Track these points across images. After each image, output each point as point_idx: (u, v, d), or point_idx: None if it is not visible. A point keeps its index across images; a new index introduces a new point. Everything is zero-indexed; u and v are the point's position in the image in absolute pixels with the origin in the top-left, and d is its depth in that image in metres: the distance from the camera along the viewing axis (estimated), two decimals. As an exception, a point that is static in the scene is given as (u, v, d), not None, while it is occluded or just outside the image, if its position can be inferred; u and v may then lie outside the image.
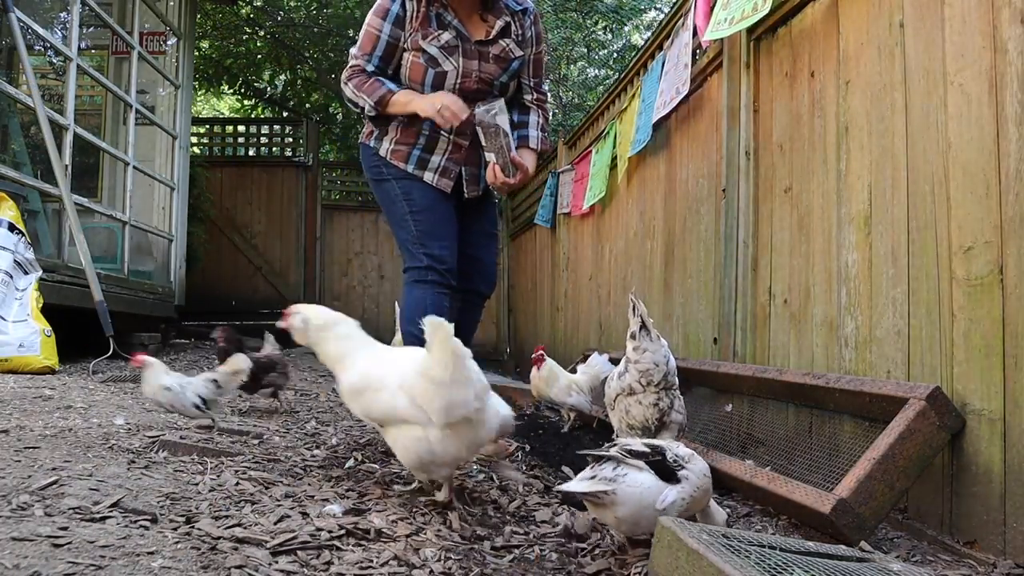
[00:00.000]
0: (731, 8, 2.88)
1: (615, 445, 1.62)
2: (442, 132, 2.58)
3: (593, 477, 1.53)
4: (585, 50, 10.29)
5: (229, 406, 3.04)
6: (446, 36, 2.53)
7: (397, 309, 3.53)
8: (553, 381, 3.34)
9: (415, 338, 2.60)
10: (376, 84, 2.54)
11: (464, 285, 2.73)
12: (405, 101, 2.53)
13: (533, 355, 3.48)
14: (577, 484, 1.55)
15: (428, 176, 2.62)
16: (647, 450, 1.56)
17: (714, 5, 3.12)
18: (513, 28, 2.64)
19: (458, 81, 2.55)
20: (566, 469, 2.41)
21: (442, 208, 2.64)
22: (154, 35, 5.94)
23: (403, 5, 2.50)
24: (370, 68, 2.55)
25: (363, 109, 2.58)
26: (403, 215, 2.62)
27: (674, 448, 1.61)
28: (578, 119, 7.81)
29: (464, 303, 2.80)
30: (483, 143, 2.53)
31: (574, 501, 1.81)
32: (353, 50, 2.61)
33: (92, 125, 6.08)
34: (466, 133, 2.57)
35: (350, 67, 2.59)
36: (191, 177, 6.34)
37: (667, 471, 1.53)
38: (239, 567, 1.22)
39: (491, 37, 2.60)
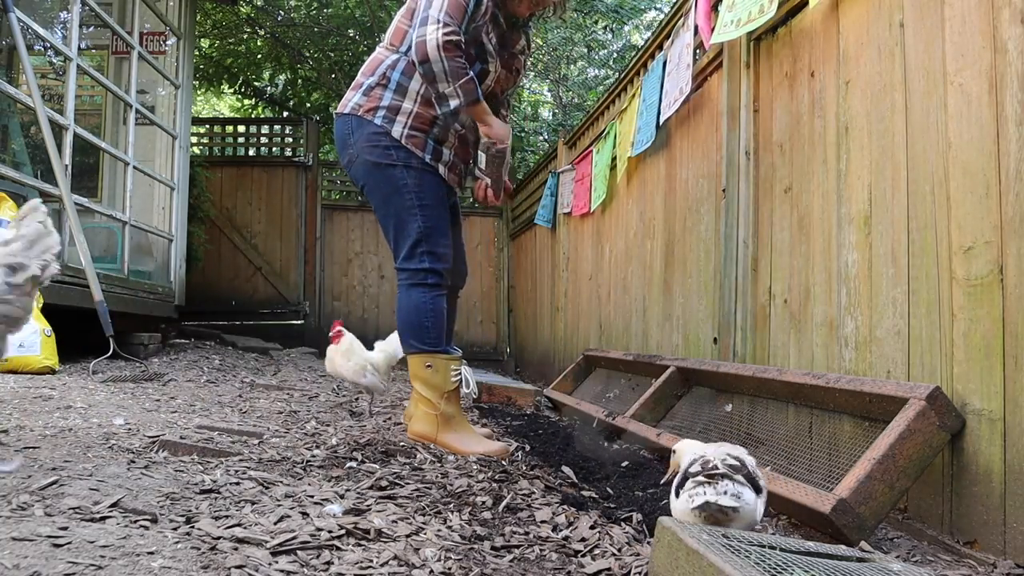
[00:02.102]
0: (737, 10, 2.87)
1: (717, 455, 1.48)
2: (455, 124, 2.53)
3: (719, 494, 1.37)
4: (585, 50, 10.31)
5: (229, 406, 3.04)
6: (495, 38, 2.51)
7: None
8: (349, 358, 3.07)
9: (414, 348, 2.55)
10: (475, 81, 2.34)
11: None
12: (484, 111, 2.41)
13: (331, 332, 3.17)
14: (706, 494, 1.37)
15: (442, 169, 2.55)
16: (739, 463, 1.43)
17: (716, 5, 3.12)
18: (525, 47, 2.72)
19: (492, 83, 2.53)
20: (566, 469, 2.41)
21: (446, 204, 2.60)
22: (154, 35, 5.94)
23: None
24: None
25: (446, 96, 2.34)
26: (409, 207, 2.49)
27: (744, 457, 1.48)
28: (578, 119, 7.81)
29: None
30: (482, 166, 2.53)
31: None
32: (438, 13, 2.27)
33: (92, 125, 6.08)
34: (473, 128, 2.56)
35: (452, 31, 2.25)
36: (191, 177, 6.33)
37: (756, 484, 1.45)
38: (239, 567, 1.22)
39: (519, 49, 2.64)
